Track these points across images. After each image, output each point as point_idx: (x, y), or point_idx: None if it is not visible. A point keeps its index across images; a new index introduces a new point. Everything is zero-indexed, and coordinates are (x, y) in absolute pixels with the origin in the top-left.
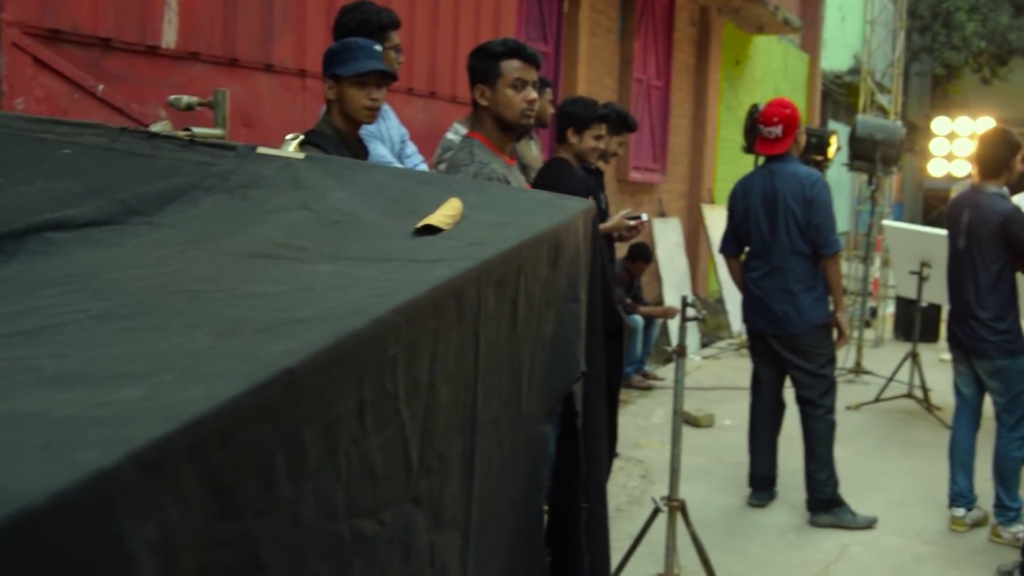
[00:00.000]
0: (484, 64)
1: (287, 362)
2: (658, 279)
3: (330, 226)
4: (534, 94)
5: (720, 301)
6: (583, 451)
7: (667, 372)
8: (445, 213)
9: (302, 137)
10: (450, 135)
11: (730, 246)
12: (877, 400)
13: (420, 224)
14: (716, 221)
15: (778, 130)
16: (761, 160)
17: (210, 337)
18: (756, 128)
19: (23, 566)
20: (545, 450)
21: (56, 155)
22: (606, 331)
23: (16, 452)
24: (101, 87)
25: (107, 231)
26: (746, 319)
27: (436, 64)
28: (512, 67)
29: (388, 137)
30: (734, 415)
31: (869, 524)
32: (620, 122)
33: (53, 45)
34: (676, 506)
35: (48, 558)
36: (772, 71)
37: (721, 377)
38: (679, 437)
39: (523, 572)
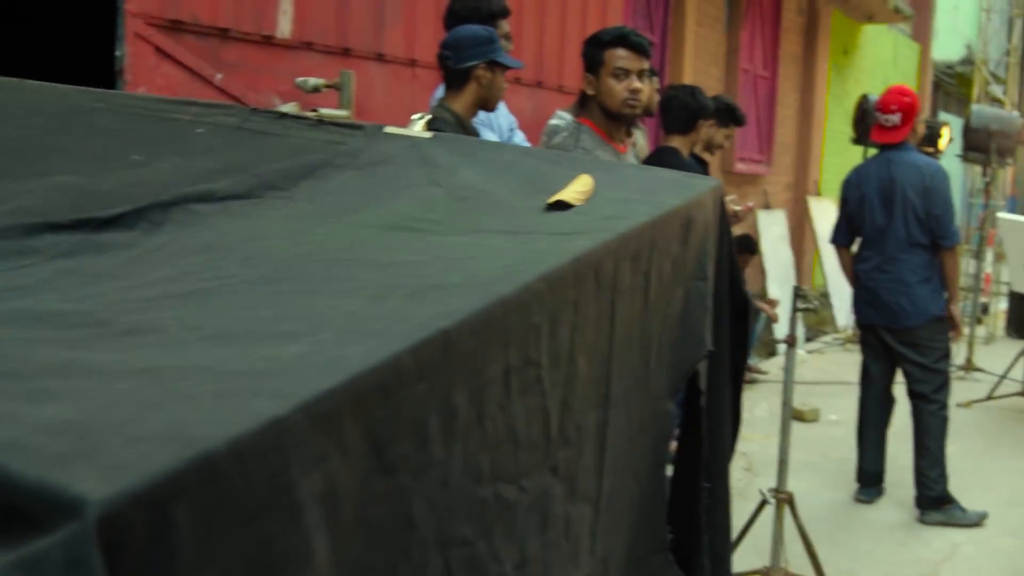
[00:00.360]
0: (591, 52)
1: (442, 323)
2: (762, 272)
3: (461, 201)
4: (637, 83)
5: (825, 295)
6: (706, 431)
7: (770, 366)
8: (577, 189)
9: (429, 116)
10: (554, 121)
11: (842, 236)
12: (989, 398)
13: (552, 200)
14: (822, 214)
15: (896, 118)
16: (871, 151)
17: (361, 301)
18: (866, 119)
19: (204, 510)
20: (670, 428)
21: (190, 134)
22: (732, 311)
23: (191, 401)
24: (219, 76)
25: (246, 204)
26: (857, 312)
27: (543, 53)
28: (616, 56)
29: (497, 125)
30: (840, 410)
31: (980, 520)
32: (728, 115)
33: (174, 35)
34: (784, 498)
35: (226, 503)
36: (882, 61)
37: (826, 372)
38: (788, 428)
39: (645, 548)
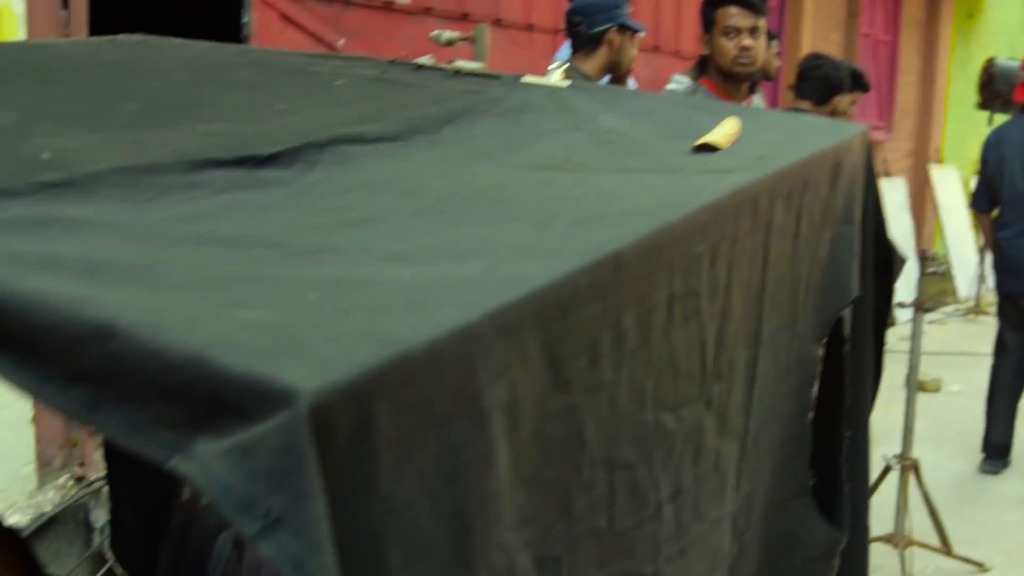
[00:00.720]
0: (705, 12)
1: (615, 245)
2: None
3: (606, 144)
4: (748, 41)
5: (946, 264)
6: (849, 379)
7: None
8: (724, 132)
9: (568, 64)
10: (671, 85)
11: (981, 201)
12: None
13: (699, 142)
14: (944, 182)
15: None
16: (998, 118)
17: (528, 228)
18: (992, 83)
19: (401, 409)
20: (815, 372)
21: (330, 86)
22: (876, 261)
23: (382, 308)
24: (341, 41)
25: (395, 146)
26: (997, 280)
27: (660, 18)
28: (726, 14)
29: None
30: (962, 381)
31: None
32: (853, 81)
33: (298, 2)
34: (909, 465)
35: (421, 405)
36: (1008, 25)
37: (946, 342)
38: (914, 394)
39: (787, 491)
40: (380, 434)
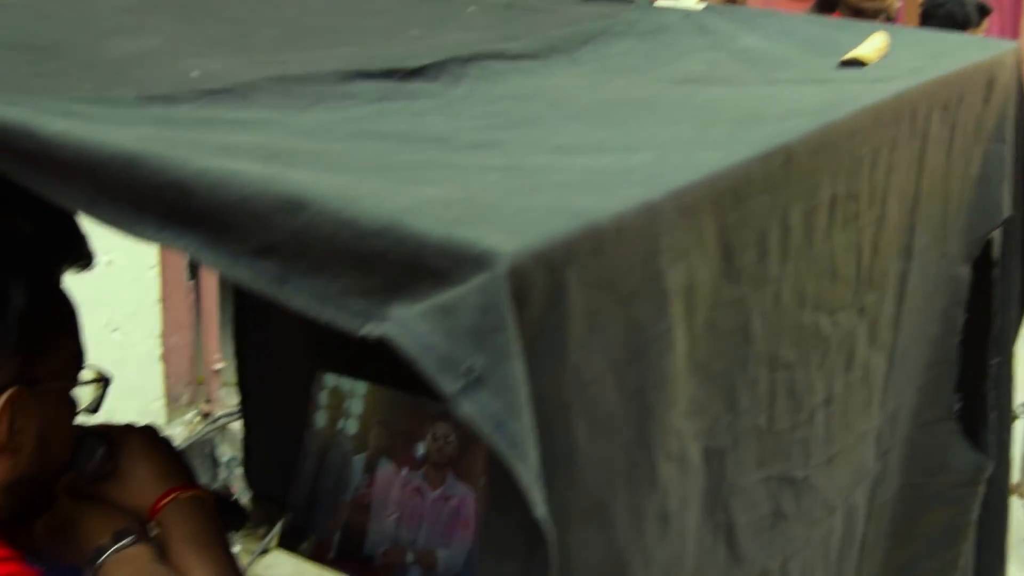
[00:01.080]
0: None
1: (784, 138)
2: None
3: (749, 62)
4: None
5: None
6: (997, 304)
7: None
8: (872, 46)
9: None
10: None
11: None
12: None
13: (847, 57)
14: None
15: None
16: None
17: (690, 127)
18: None
19: (590, 281)
20: (963, 294)
21: (462, 13)
22: None
23: (564, 186)
24: None
25: (536, 63)
26: None
27: None
28: None
29: None
30: None
31: None
32: (980, 13)
33: None
34: None
35: (608, 278)
36: None
37: None
38: None
39: (932, 413)
40: (571, 304)
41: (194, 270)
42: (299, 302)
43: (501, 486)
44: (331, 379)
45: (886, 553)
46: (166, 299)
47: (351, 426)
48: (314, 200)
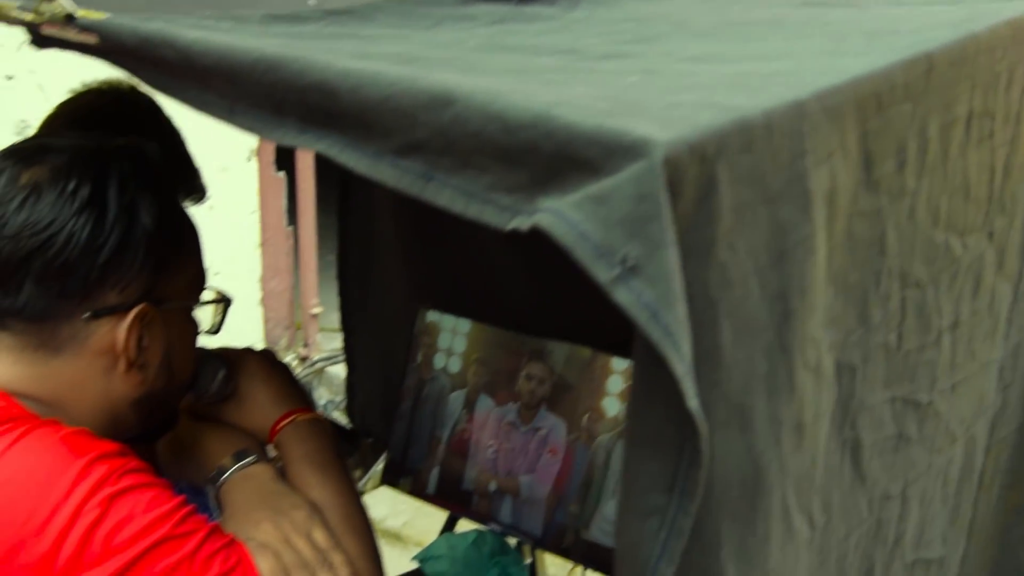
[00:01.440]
0: None
1: (927, 47)
2: None
3: None
4: None
5: None
6: None
7: None
8: None
9: None
10: None
11: None
12: None
13: None
14: None
15: None
16: None
17: (822, 40)
18: None
19: (740, 176)
20: None
21: None
22: None
23: (708, 86)
24: None
25: None
26: None
27: None
28: None
29: None
30: None
31: None
32: None
33: None
34: None
35: (757, 176)
36: None
37: None
38: None
39: None
40: (721, 199)
41: (293, 215)
42: (444, 199)
43: (650, 380)
44: (434, 316)
45: (1002, 491)
46: (266, 244)
47: (453, 364)
48: (461, 95)
